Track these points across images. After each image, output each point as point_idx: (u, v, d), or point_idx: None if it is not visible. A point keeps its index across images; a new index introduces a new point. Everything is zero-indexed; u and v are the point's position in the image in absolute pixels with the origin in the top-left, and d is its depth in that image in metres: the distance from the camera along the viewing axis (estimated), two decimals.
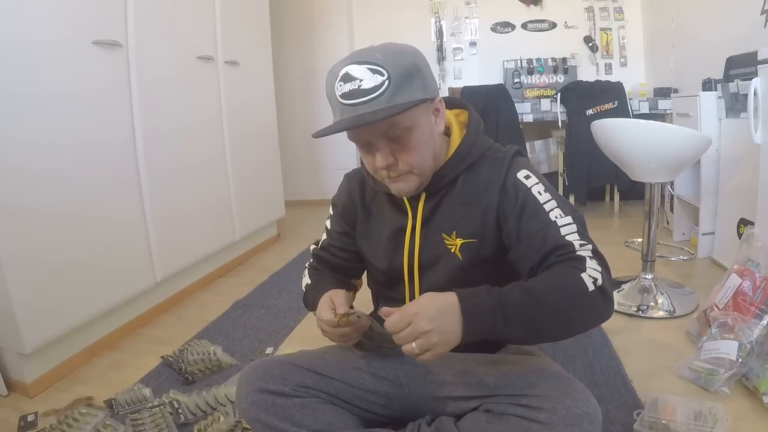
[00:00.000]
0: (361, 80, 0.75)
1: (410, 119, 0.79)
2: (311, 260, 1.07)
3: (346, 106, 0.76)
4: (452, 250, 0.89)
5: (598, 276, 0.75)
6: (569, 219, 0.82)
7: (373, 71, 0.75)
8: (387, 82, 0.75)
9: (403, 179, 0.84)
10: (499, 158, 0.89)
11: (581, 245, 0.80)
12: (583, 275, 0.75)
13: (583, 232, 0.82)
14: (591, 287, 0.74)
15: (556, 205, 0.84)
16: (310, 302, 0.99)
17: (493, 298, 0.72)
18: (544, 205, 0.83)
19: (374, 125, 0.76)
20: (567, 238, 0.80)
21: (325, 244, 1.06)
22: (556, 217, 0.82)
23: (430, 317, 0.69)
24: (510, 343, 0.86)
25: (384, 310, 0.74)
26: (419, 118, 0.81)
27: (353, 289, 1.07)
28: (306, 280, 1.04)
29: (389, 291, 0.99)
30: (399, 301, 0.94)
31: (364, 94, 0.75)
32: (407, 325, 0.69)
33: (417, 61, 0.79)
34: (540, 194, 0.84)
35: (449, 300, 0.72)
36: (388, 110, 0.74)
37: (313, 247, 1.09)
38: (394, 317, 0.71)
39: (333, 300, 0.87)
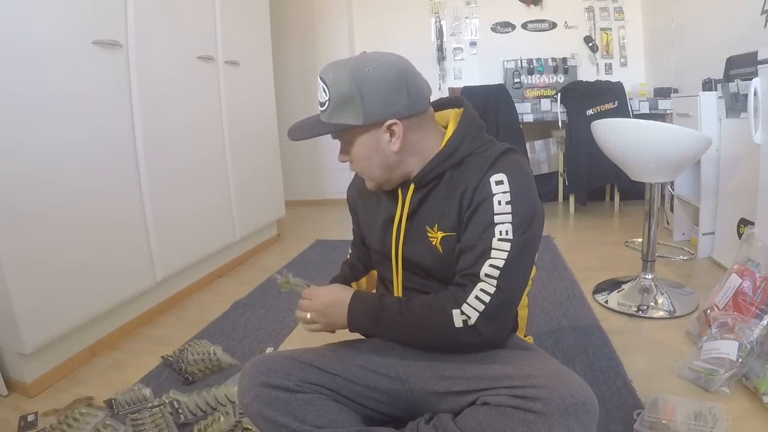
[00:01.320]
0: (318, 93, 0.88)
1: (348, 137, 0.89)
2: (349, 251, 1.21)
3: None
4: (433, 243, 0.92)
5: (473, 315, 0.81)
6: (506, 245, 0.82)
7: (323, 89, 0.86)
8: (328, 102, 0.86)
9: (364, 178, 0.96)
10: (486, 156, 0.88)
11: (485, 273, 0.81)
12: (455, 311, 0.82)
13: (510, 263, 0.82)
14: (458, 324, 0.82)
15: (509, 220, 0.83)
16: None
17: (373, 307, 0.89)
18: (494, 217, 0.83)
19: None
20: (487, 262, 0.82)
21: (354, 238, 1.18)
22: (498, 234, 0.82)
23: (322, 302, 0.93)
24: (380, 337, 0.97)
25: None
26: (357, 138, 0.88)
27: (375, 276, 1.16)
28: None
29: (385, 272, 1.04)
30: (390, 281, 1.01)
31: (320, 105, 0.89)
32: (310, 299, 0.94)
33: (356, 90, 0.83)
34: (499, 204, 0.83)
35: (344, 297, 0.92)
36: (312, 130, 0.89)
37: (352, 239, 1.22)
38: (306, 290, 0.97)
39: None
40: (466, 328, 0.81)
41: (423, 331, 0.86)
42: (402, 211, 0.95)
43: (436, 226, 0.91)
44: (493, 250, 0.82)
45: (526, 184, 0.86)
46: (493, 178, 0.85)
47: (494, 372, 0.85)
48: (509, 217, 0.83)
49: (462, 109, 0.96)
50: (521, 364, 0.85)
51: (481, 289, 0.82)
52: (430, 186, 0.92)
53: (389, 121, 0.86)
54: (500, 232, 0.83)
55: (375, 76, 0.84)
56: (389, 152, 0.88)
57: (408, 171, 0.92)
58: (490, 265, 0.82)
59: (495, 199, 0.84)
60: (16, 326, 1.33)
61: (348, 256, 1.20)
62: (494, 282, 0.81)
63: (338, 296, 0.93)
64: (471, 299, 0.82)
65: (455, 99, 0.99)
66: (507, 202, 0.83)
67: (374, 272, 1.15)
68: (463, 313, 0.81)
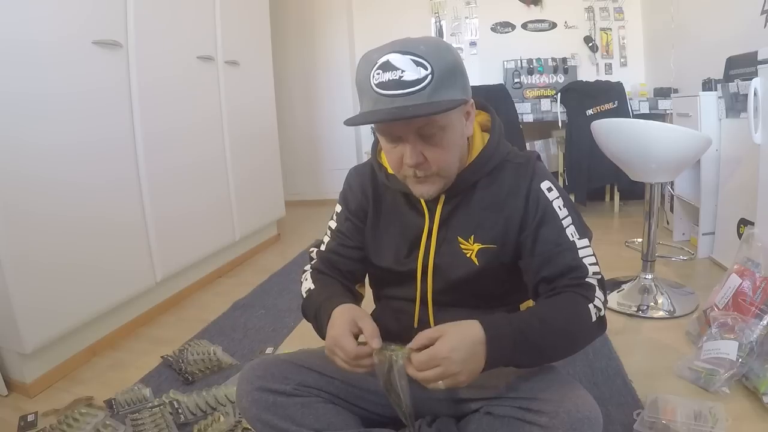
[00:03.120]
0: (403, 71, 0.71)
1: (446, 119, 0.76)
2: (313, 263, 1.00)
3: (383, 96, 0.72)
4: (468, 255, 0.87)
5: (602, 306, 0.80)
6: (585, 241, 0.85)
7: (417, 63, 0.71)
8: (430, 76, 0.71)
9: (429, 181, 0.81)
10: (522, 164, 0.87)
11: (592, 270, 0.83)
12: (590, 306, 0.79)
13: (594, 255, 0.85)
14: (594, 318, 0.79)
15: (571, 222, 0.85)
16: (314, 311, 0.88)
17: (515, 330, 0.74)
18: (562, 221, 0.84)
19: (410, 120, 0.73)
20: (583, 260, 0.83)
21: (331, 246, 0.99)
22: (572, 235, 0.84)
23: (460, 360, 0.69)
24: (516, 367, 0.82)
25: (416, 342, 0.72)
26: (454, 119, 0.78)
27: (360, 298, 1.01)
28: (308, 284, 0.94)
29: (396, 290, 0.96)
30: (406, 301, 0.94)
31: (405, 86, 0.71)
32: (436, 366, 0.69)
33: (459, 59, 0.76)
34: (560, 209, 0.85)
35: (476, 336, 0.71)
36: (430, 107, 0.71)
37: (314, 250, 1.02)
38: (422, 357, 0.70)
39: (357, 322, 0.77)
40: (598, 320, 0.80)
41: (568, 336, 0.78)
42: (432, 222, 0.89)
43: (472, 237, 0.87)
44: (580, 250, 0.83)
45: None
46: (543, 186, 0.86)
47: (498, 381, 0.84)
48: (570, 219, 0.85)
49: (482, 113, 0.94)
50: (526, 373, 0.84)
51: (596, 285, 0.82)
52: (461, 195, 0.88)
53: (471, 101, 0.82)
54: (571, 233, 0.84)
55: (456, 50, 0.79)
56: (465, 138, 0.84)
57: (459, 168, 0.85)
58: (590, 264, 0.83)
59: (555, 205, 0.85)
60: (16, 326, 1.33)
61: (317, 266, 0.98)
62: (598, 276, 0.83)
63: (471, 339, 0.71)
64: (597, 293, 0.81)
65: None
66: (563, 206, 0.85)
67: None
68: (595, 306, 0.79)
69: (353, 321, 0.77)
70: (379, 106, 0.73)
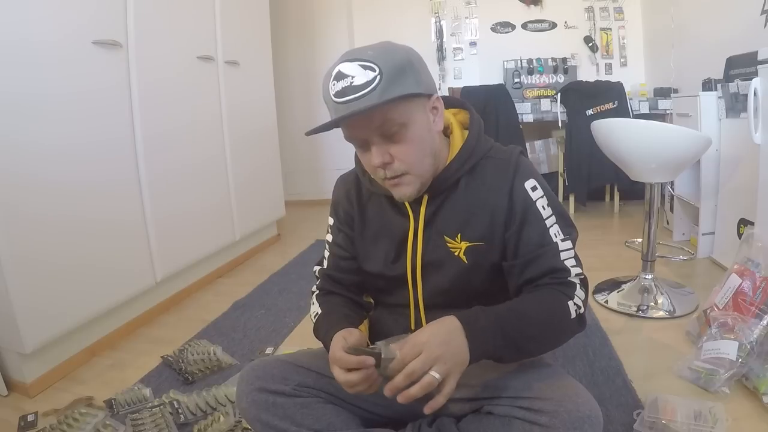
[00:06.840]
0: (352, 77, 0.74)
1: (405, 115, 0.77)
2: (318, 283, 1.01)
3: (340, 104, 0.75)
4: (456, 254, 0.87)
5: (581, 304, 0.82)
6: (568, 243, 0.85)
7: (365, 67, 0.74)
8: (378, 77, 0.73)
9: (402, 182, 0.81)
10: (504, 159, 0.88)
11: (575, 272, 0.84)
12: (570, 303, 0.80)
13: (576, 255, 0.86)
14: (573, 314, 0.80)
15: (555, 221, 0.85)
16: (322, 338, 0.90)
17: (491, 320, 0.76)
18: (546, 221, 0.85)
19: (368, 121, 0.75)
20: (565, 262, 0.84)
21: (332, 262, 1.00)
22: (556, 236, 0.84)
23: (439, 342, 0.71)
24: (499, 362, 0.81)
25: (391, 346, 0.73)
26: (414, 114, 0.78)
27: (368, 309, 1.02)
28: (315, 308, 0.96)
29: (389, 296, 0.97)
30: (401, 306, 0.94)
31: (356, 90, 0.73)
32: (419, 354, 0.69)
33: (410, 57, 0.78)
34: (543, 209, 0.85)
35: (451, 324, 0.74)
36: (373, 101, 0.73)
37: (317, 268, 1.03)
38: (405, 348, 0.70)
39: (346, 339, 0.79)
40: (577, 317, 0.81)
41: (545, 332, 0.80)
42: (417, 224, 0.89)
43: (459, 236, 0.87)
44: (562, 252, 0.84)
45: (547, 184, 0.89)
46: (527, 185, 0.86)
47: (498, 381, 0.85)
48: (554, 219, 0.85)
49: (462, 111, 0.95)
50: (526, 373, 0.84)
51: (577, 283, 0.83)
52: (444, 194, 0.88)
53: (435, 95, 0.82)
54: (554, 234, 0.85)
55: (413, 51, 0.81)
56: (435, 133, 0.83)
57: (436, 167, 0.85)
58: (572, 265, 0.84)
59: (538, 205, 0.85)
60: (16, 326, 1.33)
61: (322, 285, 1.00)
62: (581, 276, 0.85)
63: (447, 326, 0.74)
64: (577, 291, 0.82)
65: (449, 99, 0.96)
66: (547, 206, 0.86)
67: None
68: (575, 303, 0.81)
69: (342, 338, 0.80)
70: (338, 114, 0.75)
